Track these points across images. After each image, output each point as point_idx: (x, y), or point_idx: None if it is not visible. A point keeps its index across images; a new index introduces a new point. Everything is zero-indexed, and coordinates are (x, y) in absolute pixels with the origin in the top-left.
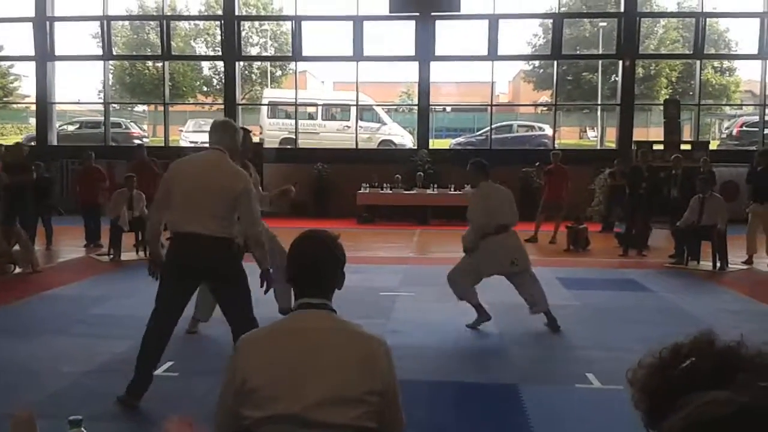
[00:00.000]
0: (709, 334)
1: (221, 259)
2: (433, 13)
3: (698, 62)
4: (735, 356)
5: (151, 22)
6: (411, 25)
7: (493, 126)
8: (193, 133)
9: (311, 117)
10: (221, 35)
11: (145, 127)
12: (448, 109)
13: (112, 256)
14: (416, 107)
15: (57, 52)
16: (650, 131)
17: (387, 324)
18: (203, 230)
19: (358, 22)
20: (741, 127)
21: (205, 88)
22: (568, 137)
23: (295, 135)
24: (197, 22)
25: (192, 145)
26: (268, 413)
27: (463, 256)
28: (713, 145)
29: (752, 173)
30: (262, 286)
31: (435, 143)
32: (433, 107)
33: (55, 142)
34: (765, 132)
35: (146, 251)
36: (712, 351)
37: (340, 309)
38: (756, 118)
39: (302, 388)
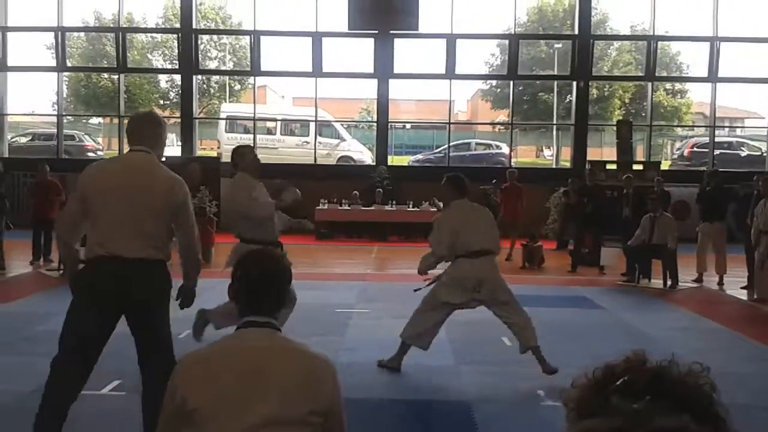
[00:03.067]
0: (642, 354)
1: (153, 288)
2: (391, 31)
3: (650, 84)
4: (667, 375)
5: (108, 34)
6: (370, 42)
7: (451, 144)
8: None
9: (270, 132)
10: (178, 48)
11: (99, 139)
12: (408, 126)
13: (62, 271)
14: (375, 124)
15: (10, 63)
16: (604, 151)
17: (342, 341)
18: (134, 253)
19: (317, 38)
20: (692, 148)
21: (161, 102)
22: (524, 156)
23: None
24: (154, 34)
25: None
26: None
27: (432, 286)
28: (665, 166)
29: (702, 193)
30: (177, 299)
31: (394, 160)
32: (392, 124)
33: (6, 154)
34: (715, 153)
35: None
36: (644, 370)
37: (295, 326)
38: (706, 139)
39: (244, 408)
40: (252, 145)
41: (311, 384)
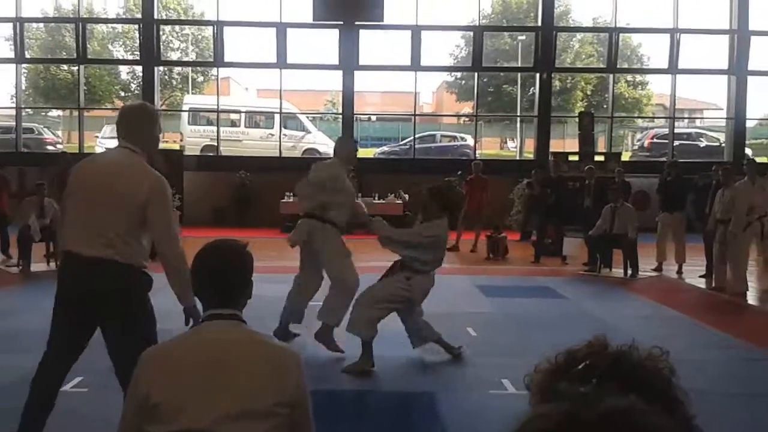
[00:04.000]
0: (603, 339)
1: (112, 291)
2: (356, 23)
3: (612, 76)
4: (627, 359)
5: (68, 25)
6: (335, 33)
7: (416, 136)
8: (109, 139)
9: (234, 124)
10: (140, 39)
11: (59, 132)
12: (373, 118)
13: (21, 267)
14: (341, 116)
15: None
16: (566, 142)
17: (307, 334)
18: (90, 251)
19: (281, 29)
20: (652, 139)
21: (122, 93)
22: (489, 147)
23: (217, 142)
24: (115, 25)
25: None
26: (173, 428)
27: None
28: (625, 157)
29: (662, 183)
30: (187, 324)
31: (360, 152)
32: (357, 116)
33: None
34: (675, 144)
35: (57, 263)
36: (605, 354)
37: (261, 319)
38: (666, 131)
39: (209, 401)
40: (216, 137)
41: (277, 375)
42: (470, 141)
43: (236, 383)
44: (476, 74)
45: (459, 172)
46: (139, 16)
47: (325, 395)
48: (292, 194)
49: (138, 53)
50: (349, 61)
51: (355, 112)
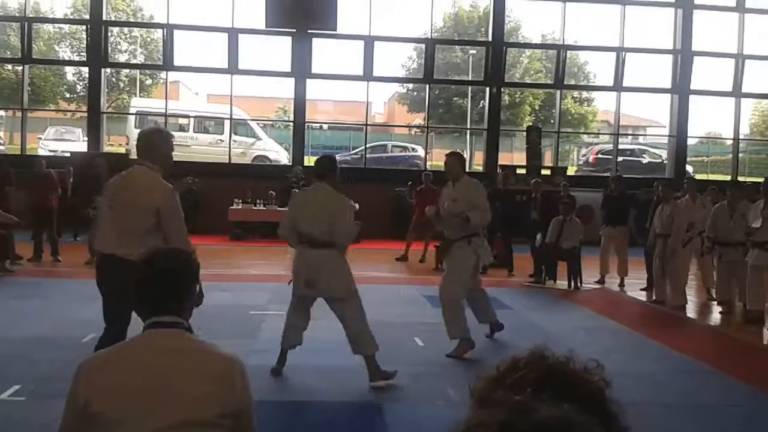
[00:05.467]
0: (542, 349)
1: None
2: (309, 31)
3: (559, 92)
4: (562, 370)
5: (13, 24)
6: (287, 41)
7: (368, 145)
8: (53, 141)
9: (182, 129)
10: (87, 40)
11: (0, 133)
12: (325, 126)
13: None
14: (292, 124)
15: None
16: (514, 156)
17: (254, 344)
18: (114, 250)
19: (233, 34)
20: (597, 154)
21: (68, 95)
22: (439, 159)
23: None
24: (62, 25)
25: (51, 153)
26: None
27: None
28: (571, 171)
29: (606, 198)
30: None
31: (311, 160)
32: (309, 124)
33: None
34: (619, 159)
35: None
36: (542, 365)
37: (206, 327)
38: (610, 147)
39: (151, 411)
40: None
41: (220, 385)
42: (421, 152)
43: (178, 393)
44: (428, 86)
45: (409, 183)
46: (87, 16)
47: (271, 406)
48: (240, 202)
49: (85, 54)
50: (301, 69)
51: (306, 120)
